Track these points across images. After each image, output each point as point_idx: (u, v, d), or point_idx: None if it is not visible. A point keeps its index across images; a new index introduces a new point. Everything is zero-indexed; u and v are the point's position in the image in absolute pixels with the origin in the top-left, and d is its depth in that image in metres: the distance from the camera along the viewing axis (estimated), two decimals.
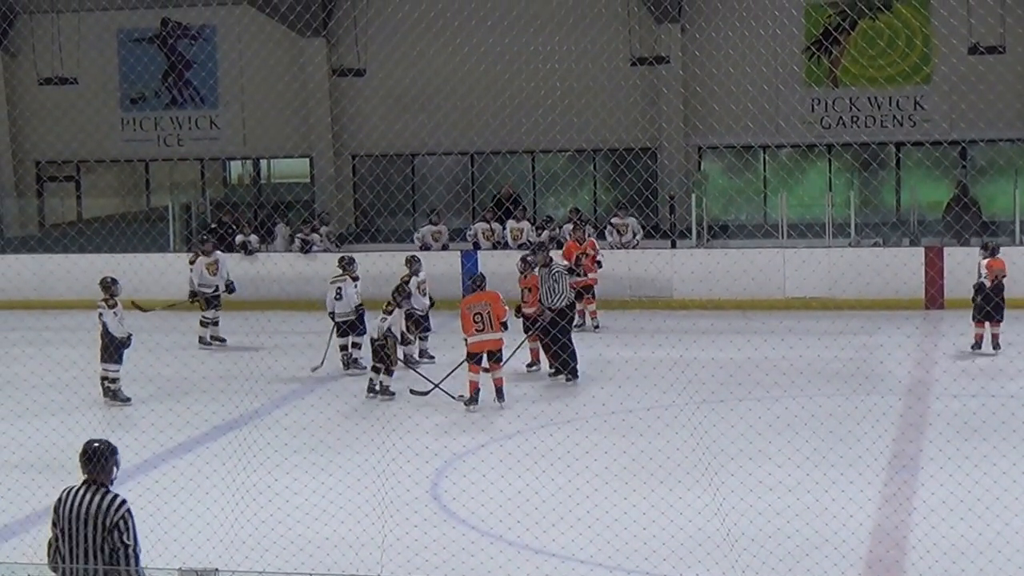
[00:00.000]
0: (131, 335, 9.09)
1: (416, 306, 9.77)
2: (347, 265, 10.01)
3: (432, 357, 9.98)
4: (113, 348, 8.98)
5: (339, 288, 9.88)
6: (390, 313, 8.76)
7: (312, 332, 11.43)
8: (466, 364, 8.60)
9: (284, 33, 16.54)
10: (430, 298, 10.08)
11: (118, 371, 9.03)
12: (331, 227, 14.18)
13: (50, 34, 15.98)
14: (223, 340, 11.36)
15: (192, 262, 11.39)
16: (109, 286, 9.08)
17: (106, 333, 8.96)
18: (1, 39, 17.50)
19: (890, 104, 15.84)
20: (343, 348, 9.89)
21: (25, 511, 6.48)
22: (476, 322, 8.44)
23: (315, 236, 13.94)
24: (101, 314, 8.99)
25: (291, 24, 16.09)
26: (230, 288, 11.38)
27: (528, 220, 13.87)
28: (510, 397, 8.80)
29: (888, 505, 6.29)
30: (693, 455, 6.72)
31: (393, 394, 8.76)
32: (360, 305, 9.86)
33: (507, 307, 8.69)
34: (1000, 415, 7.99)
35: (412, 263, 9.94)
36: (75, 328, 11.11)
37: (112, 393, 9.02)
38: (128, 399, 9.04)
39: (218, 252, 11.63)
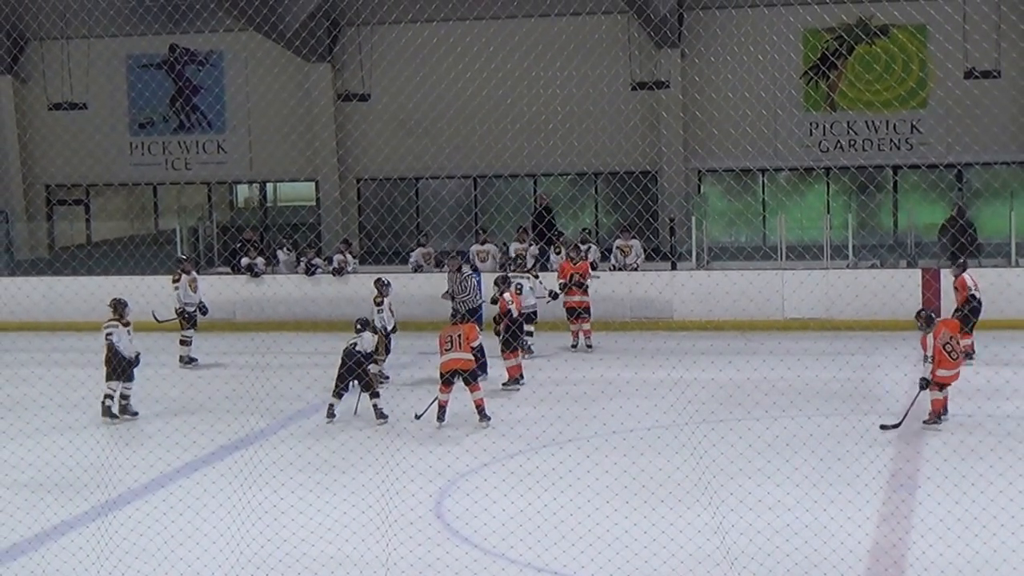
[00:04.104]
0: (139, 354, 9.24)
1: (379, 327, 9.96)
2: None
3: (387, 377, 10.20)
4: (122, 368, 9.11)
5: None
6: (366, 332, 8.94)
7: (318, 352, 11.57)
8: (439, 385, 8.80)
9: (290, 59, 16.80)
10: (395, 322, 10.33)
11: (130, 387, 9.18)
12: (352, 249, 14.42)
13: (60, 60, 16.24)
14: (195, 360, 11.50)
15: (176, 281, 11.57)
16: (120, 307, 9.25)
17: (115, 352, 9.09)
18: (12, 65, 17.78)
19: (887, 128, 16.03)
20: None
21: (34, 530, 6.54)
22: (445, 343, 8.71)
23: (319, 260, 14.13)
24: (110, 333, 9.12)
25: (296, 50, 16.35)
26: (204, 310, 11.57)
27: (521, 240, 13.92)
28: (511, 418, 8.90)
29: (886, 524, 6.35)
30: (693, 474, 6.80)
31: (386, 417, 8.83)
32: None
33: (479, 336, 8.97)
34: (997, 434, 8.08)
35: (383, 286, 10.21)
36: (83, 349, 11.23)
37: (123, 408, 9.15)
38: (136, 413, 9.20)
39: (195, 272, 11.86)
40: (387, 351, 10.14)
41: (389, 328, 10.16)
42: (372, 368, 9.29)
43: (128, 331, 9.16)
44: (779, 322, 12.78)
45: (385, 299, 10.14)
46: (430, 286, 12.98)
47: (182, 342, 11.54)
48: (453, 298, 10.84)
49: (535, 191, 17.03)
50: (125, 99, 17.93)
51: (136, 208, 18.72)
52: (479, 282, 11.61)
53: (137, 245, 17.27)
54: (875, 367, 10.47)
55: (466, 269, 11.35)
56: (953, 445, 7.66)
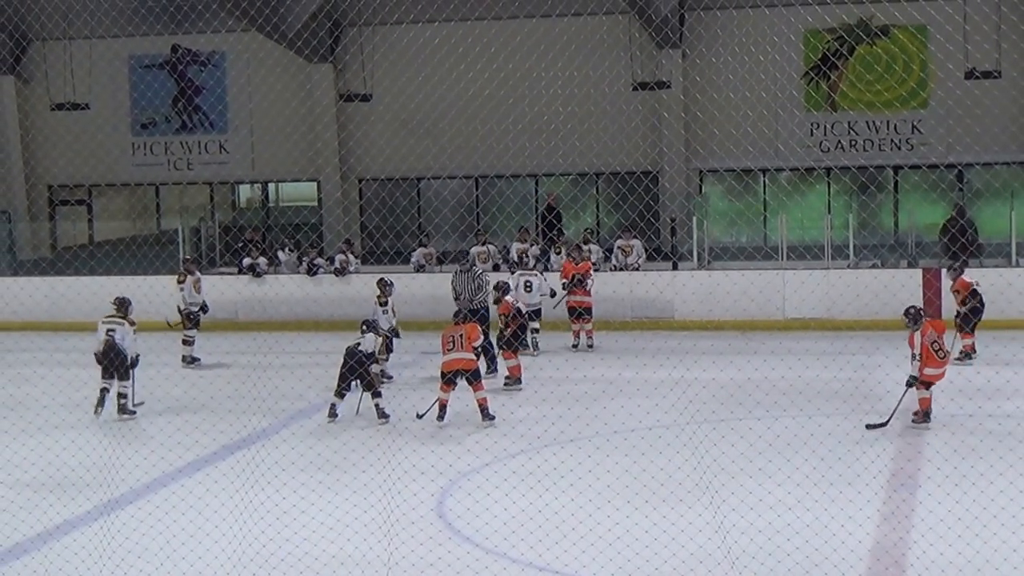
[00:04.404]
0: (139, 355, 9.26)
1: (384, 327, 10.04)
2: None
3: (390, 376, 10.24)
4: (124, 368, 9.13)
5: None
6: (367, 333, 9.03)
7: (320, 352, 11.61)
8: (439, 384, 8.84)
9: (292, 59, 16.85)
10: (396, 322, 10.41)
11: (127, 386, 9.21)
12: (354, 249, 14.53)
13: (63, 60, 16.31)
14: (198, 359, 11.56)
15: (181, 282, 11.64)
16: (125, 305, 9.28)
17: (116, 352, 9.09)
18: (15, 65, 17.84)
19: (888, 128, 16.06)
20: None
21: (36, 529, 6.57)
22: (447, 342, 8.77)
23: (321, 260, 14.18)
24: (112, 330, 9.13)
25: (298, 50, 16.40)
26: (205, 308, 11.66)
27: (522, 240, 13.94)
28: (513, 418, 8.93)
29: (887, 523, 6.37)
30: (694, 474, 6.82)
31: (388, 416, 8.87)
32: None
33: (481, 335, 9.01)
34: (997, 434, 8.11)
35: (386, 286, 10.27)
36: (86, 350, 11.22)
37: (121, 408, 9.18)
38: (134, 412, 9.22)
39: (199, 272, 11.95)
40: (388, 351, 10.20)
41: (392, 328, 10.24)
42: (374, 368, 9.34)
43: (132, 330, 9.18)
44: (780, 322, 12.81)
45: (389, 299, 10.23)
46: (432, 286, 13.03)
47: (185, 342, 11.59)
48: (471, 300, 10.80)
49: (536, 191, 17.07)
50: (127, 99, 17.99)
51: (138, 208, 18.78)
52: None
53: (139, 245, 17.33)
54: (876, 367, 10.49)
55: (477, 268, 11.39)
56: (953, 445, 7.68)
